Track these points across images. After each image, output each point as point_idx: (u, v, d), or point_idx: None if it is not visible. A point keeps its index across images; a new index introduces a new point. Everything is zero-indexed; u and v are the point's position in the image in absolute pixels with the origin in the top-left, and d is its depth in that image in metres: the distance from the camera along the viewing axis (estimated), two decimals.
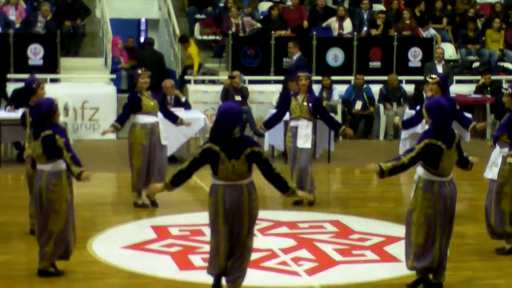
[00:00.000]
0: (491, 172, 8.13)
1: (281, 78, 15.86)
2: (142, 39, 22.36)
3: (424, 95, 14.27)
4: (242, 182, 6.35)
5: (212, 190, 6.38)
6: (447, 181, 6.81)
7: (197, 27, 18.23)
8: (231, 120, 6.23)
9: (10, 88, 14.34)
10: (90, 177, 7.12)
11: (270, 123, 10.59)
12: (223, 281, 6.53)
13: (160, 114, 10.06)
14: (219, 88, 15.95)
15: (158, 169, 9.80)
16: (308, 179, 10.08)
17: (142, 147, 9.72)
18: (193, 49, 16.41)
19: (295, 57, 14.95)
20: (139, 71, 9.83)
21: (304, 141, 10.00)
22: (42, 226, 7.10)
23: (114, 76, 16.30)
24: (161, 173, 9.73)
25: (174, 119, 10.36)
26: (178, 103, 13.48)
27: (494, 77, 17.00)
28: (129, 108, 9.82)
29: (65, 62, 16.34)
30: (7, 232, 8.84)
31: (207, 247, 8.02)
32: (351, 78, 16.49)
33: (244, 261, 6.48)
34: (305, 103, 9.99)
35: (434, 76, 9.21)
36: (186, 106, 13.67)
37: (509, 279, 7.38)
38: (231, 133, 6.26)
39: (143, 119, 9.70)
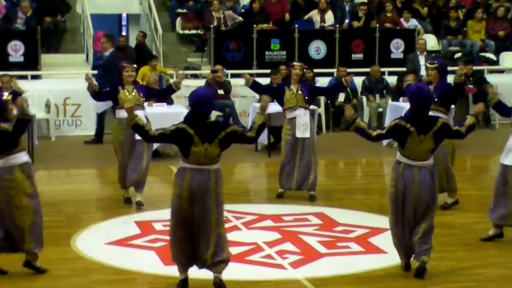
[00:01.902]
0: (507, 159, 8.15)
1: (264, 71, 15.83)
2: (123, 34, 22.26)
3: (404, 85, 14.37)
4: (210, 167, 6.55)
5: (179, 173, 6.58)
6: (417, 166, 6.99)
7: (178, 21, 18.17)
8: (207, 105, 6.51)
9: None
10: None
11: (259, 85, 10.32)
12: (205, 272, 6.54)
13: (149, 108, 10.00)
14: (201, 82, 15.87)
15: (134, 164, 9.54)
16: (312, 170, 10.02)
17: (119, 142, 9.61)
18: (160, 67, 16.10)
19: (107, 53, 14.47)
20: (124, 64, 9.77)
21: (303, 130, 9.93)
22: (12, 224, 7.02)
23: (95, 72, 16.21)
24: (136, 168, 9.52)
25: (169, 91, 10.57)
26: (160, 99, 13.42)
27: (476, 68, 17.04)
28: (107, 91, 9.76)
29: (46, 58, 16.24)
30: None
31: None
32: (334, 70, 16.48)
33: (224, 251, 6.61)
34: (300, 92, 9.95)
35: (433, 61, 9.56)
36: (168, 101, 13.62)
37: (493, 268, 7.42)
38: (207, 118, 6.53)
39: (119, 113, 9.60)
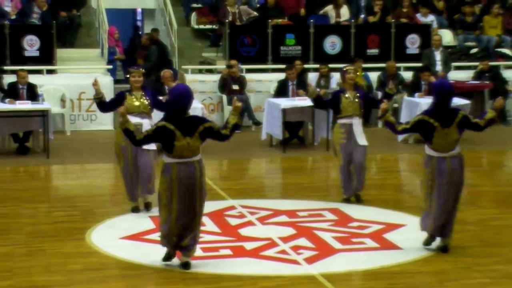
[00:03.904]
0: None
1: (279, 66, 15.81)
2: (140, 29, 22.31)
3: (422, 82, 14.31)
4: (194, 159, 6.97)
5: (165, 169, 6.98)
6: (448, 157, 7.49)
7: (193, 16, 18.18)
8: (187, 100, 6.91)
9: (8, 80, 14.27)
10: None
11: (322, 99, 10.01)
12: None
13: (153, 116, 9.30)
14: (216, 77, 15.90)
15: (141, 173, 9.08)
16: (364, 176, 9.72)
17: (121, 148, 9.11)
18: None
19: None
20: (130, 70, 9.27)
21: (361, 138, 9.57)
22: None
23: (110, 66, 16.26)
24: (143, 177, 9.07)
25: None
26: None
27: (492, 63, 16.96)
28: (113, 100, 9.23)
29: (61, 53, 16.26)
30: (5, 224, 8.82)
31: (206, 237, 8.05)
32: None
33: (198, 235, 7.19)
34: (356, 100, 9.53)
35: None
36: None
37: (509, 265, 7.38)
38: (186, 113, 6.92)
39: None
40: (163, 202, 7.03)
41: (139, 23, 22.94)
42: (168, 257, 7.25)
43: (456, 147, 7.52)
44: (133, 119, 8.72)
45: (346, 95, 9.56)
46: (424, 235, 7.77)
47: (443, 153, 7.46)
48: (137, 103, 9.07)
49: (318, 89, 9.94)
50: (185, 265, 7.15)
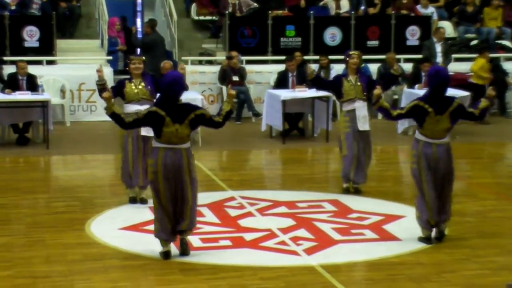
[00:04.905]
0: None
1: (279, 58, 15.80)
2: (138, 20, 22.26)
3: (423, 74, 14.30)
4: (181, 146, 7.04)
5: (153, 152, 7.10)
6: (435, 143, 7.53)
7: (193, 7, 18.15)
8: (178, 88, 7.00)
9: (8, 71, 14.27)
10: None
11: (320, 79, 10.18)
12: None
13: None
14: (216, 68, 15.89)
15: (141, 162, 9.07)
16: (368, 163, 9.69)
17: (123, 138, 9.15)
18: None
19: None
20: (131, 57, 9.31)
21: (363, 123, 9.51)
22: None
23: (110, 57, 16.24)
24: (137, 169, 9.09)
25: None
26: None
27: (492, 55, 16.93)
28: (113, 88, 9.08)
29: (61, 44, 16.27)
30: (5, 214, 8.84)
31: (206, 228, 8.08)
32: None
33: (195, 221, 7.22)
34: (359, 83, 9.52)
35: None
36: None
37: (508, 256, 7.39)
38: (178, 100, 7.01)
39: (126, 108, 8.98)
40: (153, 186, 7.08)
41: (127, 15, 22.84)
42: (166, 255, 7.18)
43: (445, 136, 7.55)
44: (133, 107, 8.94)
45: (348, 79, 9.59)
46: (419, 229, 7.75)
47: (431, 139, 7.49)
48: (136, 90, 9.08)
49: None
50: (183, 244, 7.22)
